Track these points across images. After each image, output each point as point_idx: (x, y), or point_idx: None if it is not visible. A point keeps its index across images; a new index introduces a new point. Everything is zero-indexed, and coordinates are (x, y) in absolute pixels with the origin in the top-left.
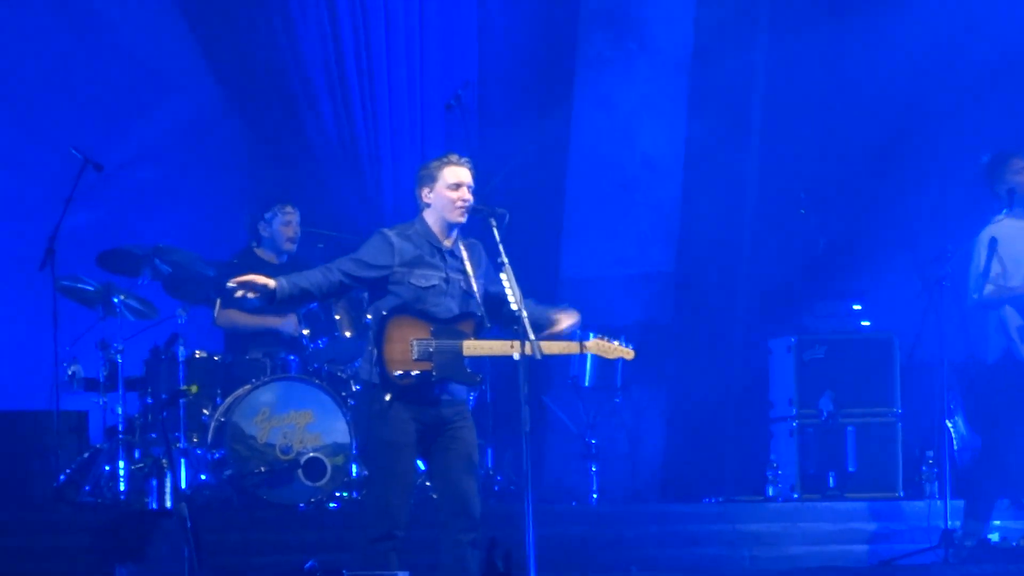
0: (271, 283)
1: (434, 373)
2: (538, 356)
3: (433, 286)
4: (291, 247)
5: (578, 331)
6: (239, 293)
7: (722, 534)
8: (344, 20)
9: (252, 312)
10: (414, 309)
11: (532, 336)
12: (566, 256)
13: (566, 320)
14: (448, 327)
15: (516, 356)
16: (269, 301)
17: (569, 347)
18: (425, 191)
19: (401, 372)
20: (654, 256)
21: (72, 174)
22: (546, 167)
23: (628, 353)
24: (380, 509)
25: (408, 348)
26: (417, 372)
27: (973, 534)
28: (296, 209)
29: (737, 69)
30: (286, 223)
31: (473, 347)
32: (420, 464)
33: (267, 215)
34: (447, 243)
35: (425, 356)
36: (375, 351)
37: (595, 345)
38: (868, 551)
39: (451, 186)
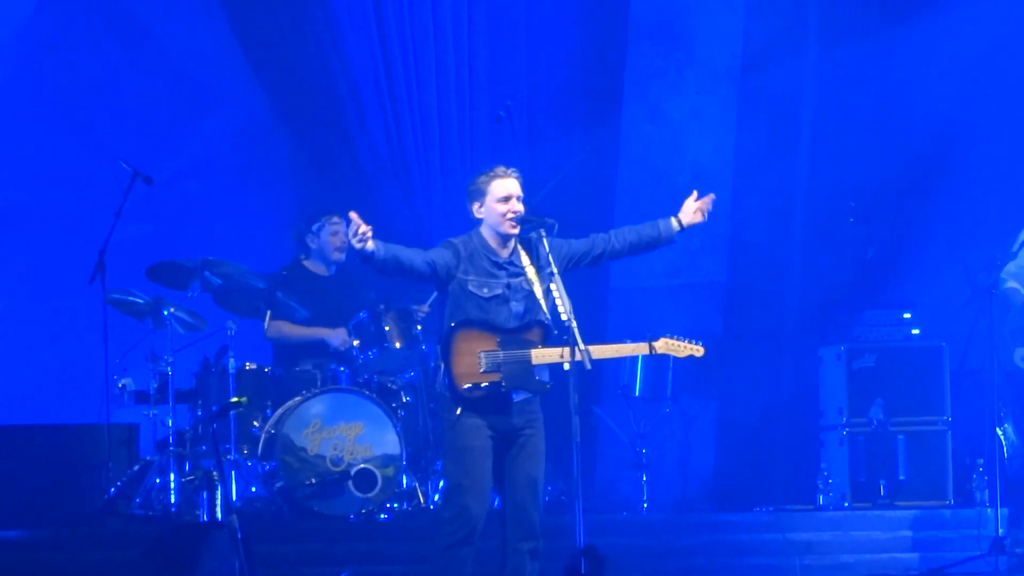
0: (370, 243)
1: (503, 384)
2: (587, 366)
3: (497, 295)
4: (340, 256)
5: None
6: (361, 230)
7: (772, 543)
8: (392, 32)
9: (302, 323)
10: (479, 320)
11: (582, 345)
12: (616, 266)
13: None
14: (515, 337)
15: (566, 366)
16: (365, 260)
17: (638, 349)
18: (476, 206)
19: (470, 385)
20: (704, 266)
21: (122, 187)
22: (595, 177)
23: (698, 350)
24: (457, 514)
25: (476, 361)
26: (486, 384)
27: (1022, 542)
28: (343, 219)
29: (786, 79)
30: (333, 232)
31: (541, 355)
32: None
33: (314, 227)
34: (504, 253)
35: (494, 368)
36: (443, 365)
37: (664, 344)
38: (918, 559)
39: (500, 199)
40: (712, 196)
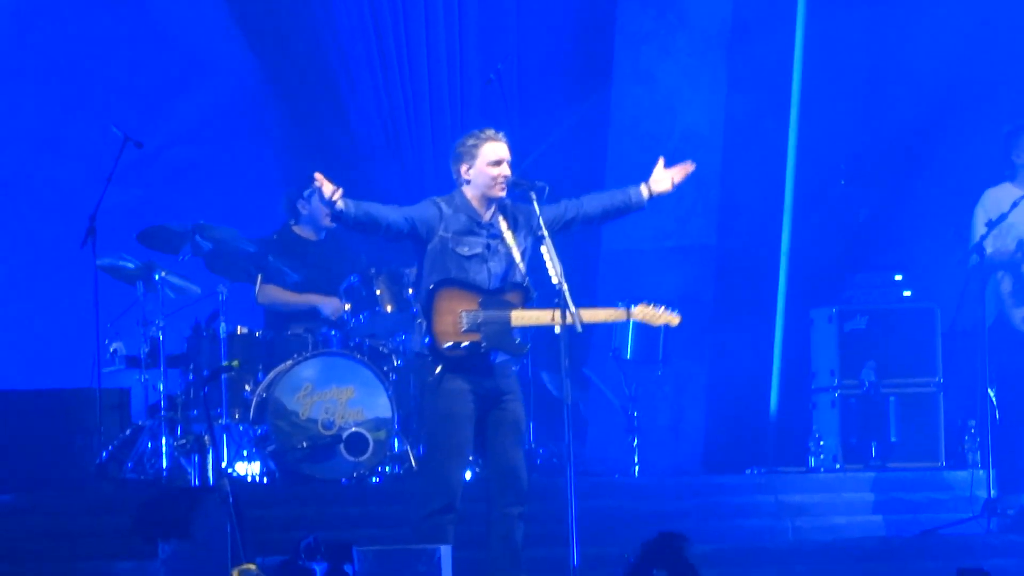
0: (338, 201)
1: (483, 344)
2: (578, 328)
3: (476, 254)
4: (330, 223)
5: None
6: (325, 191)
7: (765, 505)
8: None
9: (293, 288)
10: (460, 280)
11: (573, 308)
12: (607, 229)
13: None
14: (495, 298)
15: (557, 329)
16: (336, 219)
17: (615, 315)
18: (464, 168)
19: (451, 344)
20: (695, 229)
21: (113, 152)
22: (586, 141)
23: (674, 319)
24: (439, 481)
25: (457, 320)
26: (466, 343)
27: (1013, 504)
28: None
29: (777, 42)
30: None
31: (521, 317)
32: None
33: (306, 193)
34: (486, 216)
35: (473, 327)
36: (424, 323)
37: (641, 312)
38: (911, 521)
39: (492, 163)
40: (688, 165)
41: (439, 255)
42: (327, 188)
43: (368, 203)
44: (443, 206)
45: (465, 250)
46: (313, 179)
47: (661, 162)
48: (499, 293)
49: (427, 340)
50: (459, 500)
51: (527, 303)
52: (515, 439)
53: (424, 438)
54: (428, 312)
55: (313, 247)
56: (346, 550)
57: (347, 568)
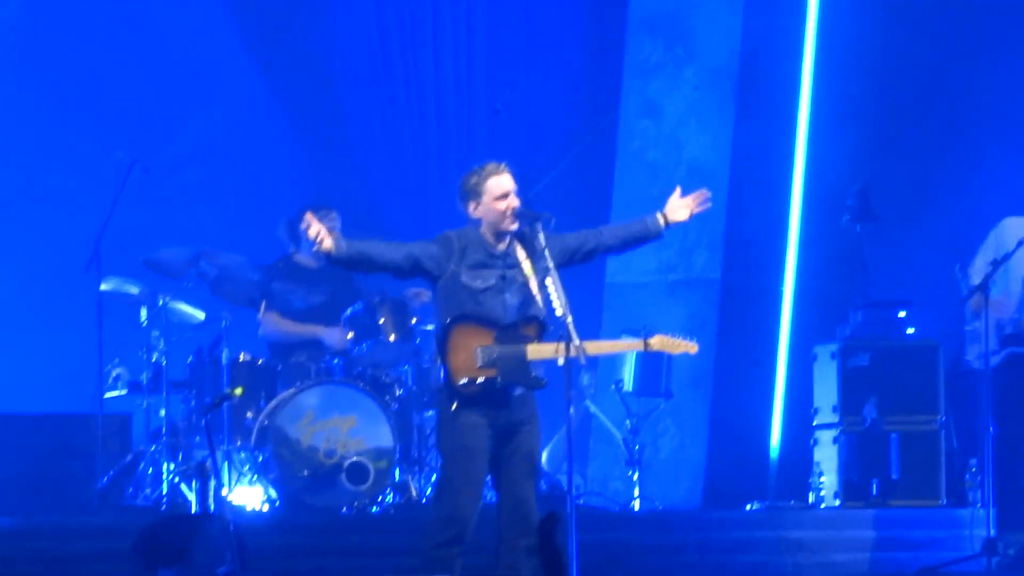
0: (328, 244)
1: (499, 379)
2: (582, 361)
3: (490, 287)
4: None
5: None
6: (311, 233)
7: (765, 541)
8: (392, 24)
9: (297, 315)
10: (474, 315)
11: (577, 340)
12: (611, 262)
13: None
14: (511, 332)
15: (560, 361)
16: (328, 261)
17: (634, 345)
18: (471, 206)
19: (466, 380)
20: (699, 262)
21: (119, 175)
22: (593, 172)
23: (692, 347)
24: (450, 514)
25: (472, 356)
26: (482, 379)
27: (1014, 543)
28: (338, 214)
29: (784, 76)
30: (330, 229)
31: (537, 351)
32: None
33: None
34: (501, 247)
35: (489, 363)
36: (439, 360)
37: (659, 341)
38: (911, 559)
39: (498, 197)
40: (704, 193)
41: (453, 290)
42: (312, 230)
43: (366, 242)
44: (454, 239)
45: (479, 283)
46: (313, 204)
47: (678, 191)
48: (515, 327)
49: (443, 376)
50: (469, 533)
51: (543, 336)
52: (527, 471)
53: (438, 470)
54: (443, 348)
55: (316, 275)
56: None
57: None
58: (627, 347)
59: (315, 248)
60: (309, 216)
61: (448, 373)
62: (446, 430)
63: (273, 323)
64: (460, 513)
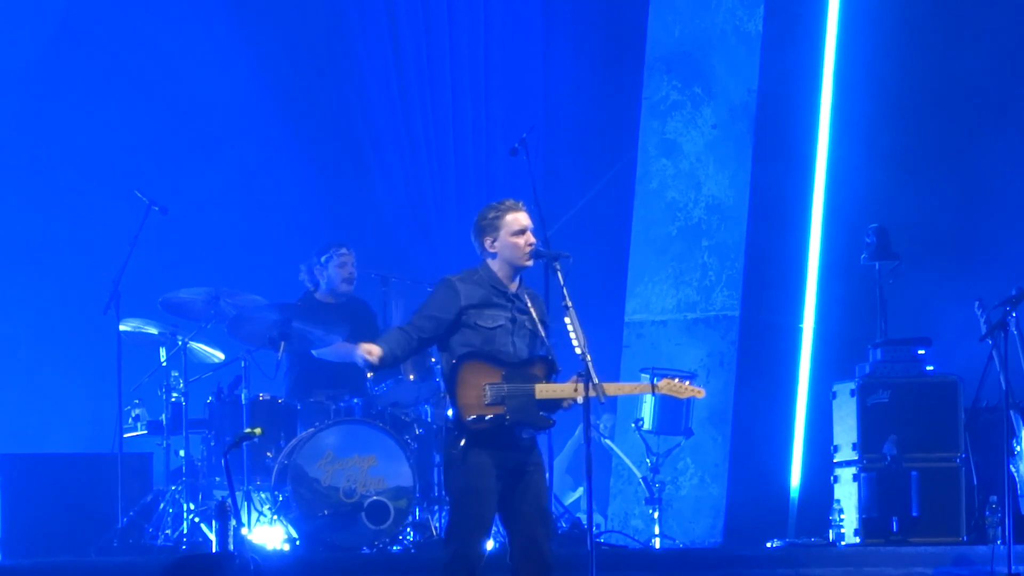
0: (375, 353)
1: (507, 417)
2: (601, 400)
3: (500, 326)
4: (347, 288)
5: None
6: (358, 354)
7: None
8: (410, 65)
9: (315, 358)
10: (484, 353)
11: (596, 379)
12: (631, 300)
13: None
14: (520, 371)
15: (579, 399)
16: (371, 368)
17: (641, 388)
18: (488, 241)
19: (475, 417)
20: (719, 300)
21: (137, 218)
22: (611, 212)
23: (699, 392)
24: (460, 554)
25: (482, 393)
26: (491, 416)
27: None
28: (351, 251)
29: (803, 114)
30: (341, 264)
31: (545, 390)
32: None
33: (323, 258)
34: (512, 287)
35: (498, 400)
36: (448, 397)
37: (667, 385)
38: None
39: (516, 233)
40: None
41: (463, 329)
42: (366, 354)
43: (393, 336)
44: (457, 283)
45: (489, 322)
46: (327, 242)
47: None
48: (524, 366)
49: (452, 413)
50: (479, 571)
51: (551, 376)
52: (537, 512)
53: (448, 510)
54: (452, 385)
55: (335, 313)
56: None
57: None
58: (634, 390)
59: (364, 362)
60: (363, 348)
61: (457, 410)
62: (455, 470)
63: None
64: (469, 554)
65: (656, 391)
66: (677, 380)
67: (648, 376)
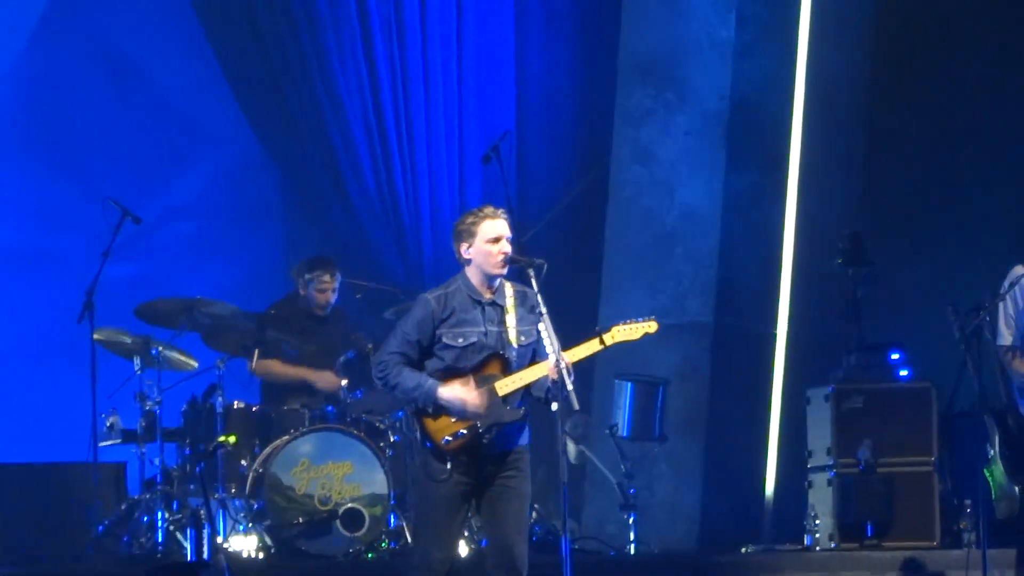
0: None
1: (480, 425)
2: (575, 406)
3: (472, 343)
4: (321, 312)
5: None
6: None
7: None
8: (383, 73)
9: (291, 362)
10: (455, 369)
11: (570, 386)
12: (605, 306)
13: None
14: (478, 375)
15: (554, 407)
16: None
17: (590, 347)
18: (464, 247)
19: (450, 436)
20: (692, 306)
21: (110, 227)
22: (584, 219)
23: (651, 326)
24: (423, 562)
25: (449, 413)
26: (465, 430)
27: None
28: (335, 277)
29: (776, 120)
30: (321, 290)
31: (506, 384)
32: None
33: (306, 276)
34: (488, 296)
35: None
36: (416, 421)
37: (616, 333)
38: None
39: (490, 240)
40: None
41: (438, 348)
42: None
43: (395, 374)
44: (432, 302)
45: (460, 341)
46: (314, 262)
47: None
48: (479, 369)
49: (426, 443)
50: None
51: (508, 370)
52: (514, 519)
53: (415, 517)
54: (419, 410)
55: (310, 322)
56: None
57: None
58: (586, 351)
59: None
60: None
61: (428, 435)
62: (422, 479)
63: (265, 367)
64: (431, 561)
65: (605, 344)
66: (624, 323)
67: (622, 380)
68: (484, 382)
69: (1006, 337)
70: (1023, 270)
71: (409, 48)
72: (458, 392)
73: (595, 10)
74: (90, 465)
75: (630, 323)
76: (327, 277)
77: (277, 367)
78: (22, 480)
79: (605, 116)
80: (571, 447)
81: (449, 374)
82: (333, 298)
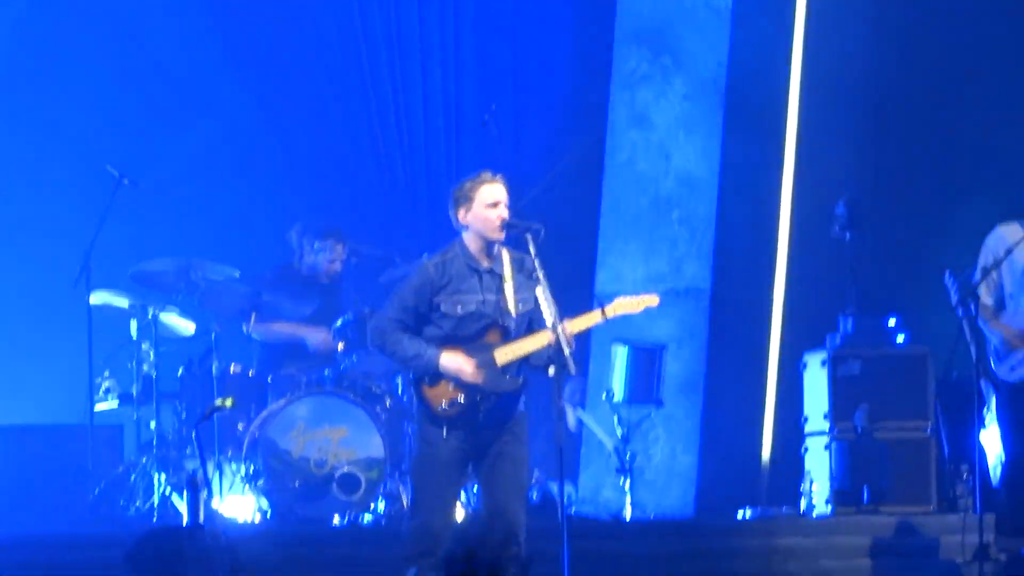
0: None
1: (478, 393)
2: (572, 372)
3: (471, 312)
4: (326, 280)
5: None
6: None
7: (757, 548)
8: (378, 36)
9: (289, 320)
10: (454, 337)
11: (567, 352)
12: (601, 272)
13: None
14: (476, 343)
15: (551, 372)
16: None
17: (591, 318)
18: (462, 212)
19: (447, 404)
20: (689, 272)
21: (107, 190)
22: (581, 184)
23: (653, 300)
24: (422, 528)
25: (447, 380)
26: (462, 398)
27: (1006, 549)
28: (346, 246)
29: (773, 85)
30: (331, 260)
31: (505, 353)
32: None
33: (316, 244)
34: (486, 263)
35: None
36: (414, 388)
37: (617, 306)
38: (902, 565)
39: (488, 205)
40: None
41: (436, 315)
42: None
43: (393, 341)
44: (431, 270)
45: (458, 309)
46: (327, 230)
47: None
48: (479, 338)
49: (420, 405)
50: (441, 547)
51: (507, 337)
52: (511, 483)
53: (412, 483)
54: (418, 381)
55: (306, 286)
56: None
57: None
58: (586, 323)
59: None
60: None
61: (426, 402)
62: (421, 446)
63: (261, 327)
64: (432, 528)
65: (606, 316)
66: (627, 297)
67: (619, 345)
68: (483, 351)
69: (984, 296)
70: (1014, 232)
71: (405, 10)
72: (459, 361)
73: None
74: (86, 428)
75: (633, 297)
76: (339, 247)
77: (273, 326)
78: (18, 442)
79: (601, 80)
80: (570, 413)
81: (448, 343)
82: (340, 268)
